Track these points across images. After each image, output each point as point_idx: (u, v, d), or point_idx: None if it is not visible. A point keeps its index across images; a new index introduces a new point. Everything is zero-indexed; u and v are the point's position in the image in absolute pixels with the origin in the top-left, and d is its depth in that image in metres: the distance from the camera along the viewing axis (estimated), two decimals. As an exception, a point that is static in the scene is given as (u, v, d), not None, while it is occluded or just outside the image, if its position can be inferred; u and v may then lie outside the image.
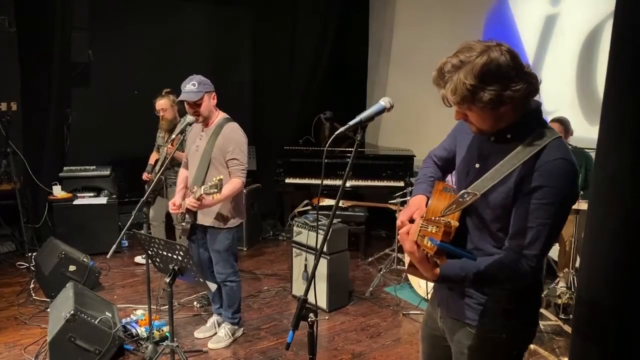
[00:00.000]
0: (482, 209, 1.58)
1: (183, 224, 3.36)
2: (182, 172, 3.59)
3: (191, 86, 3.22)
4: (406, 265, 1.71)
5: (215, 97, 3.32)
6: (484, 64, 1.41)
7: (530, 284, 1.63)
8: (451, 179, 1.91)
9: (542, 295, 4.00)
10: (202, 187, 3.07)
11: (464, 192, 1.52)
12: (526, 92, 1.46)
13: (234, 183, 3.23)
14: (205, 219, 3.32)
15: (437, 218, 1.51)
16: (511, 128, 1.53)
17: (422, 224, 1.50)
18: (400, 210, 4.38)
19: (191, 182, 3.34)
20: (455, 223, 1.46)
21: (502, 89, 1.42)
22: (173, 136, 3.61)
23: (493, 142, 1.59)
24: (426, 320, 1.92)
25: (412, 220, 1.62)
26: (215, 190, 2.95)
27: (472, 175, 1.62)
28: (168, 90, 4.53)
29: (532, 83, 1.47)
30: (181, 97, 3.28)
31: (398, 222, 1.66)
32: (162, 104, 4.55)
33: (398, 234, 1.59)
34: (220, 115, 3.38)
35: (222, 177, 2.99)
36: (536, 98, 1.55)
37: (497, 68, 1.41)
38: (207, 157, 3.27)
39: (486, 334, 1.65)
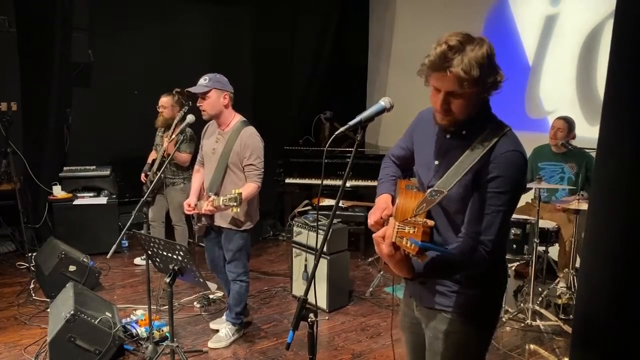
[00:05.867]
0: (447, 202, 1.66)
1: (199, 224, 3.40)
2: (197, 172, 3.60)
3: (202, 80, 3.28)
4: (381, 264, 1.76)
5: (228, 97, 3.30)
6: (488, 48, 1.51)
7: (496, 269, 1.74)
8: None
9: (543, 295, 4.03)
10: (222, 198, 3.10)
11: (432, 191, 1.60)
12: (500, 82, 1.56)
13: (249, 187, 3.26)
14: (221, 221, 3.37)
15: (412, 219, 1.56)
16: (466, 124, 1.62)
17: (398, 226, 1.51)
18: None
19: (207, 186, 3.36)
20: (431, 222, 1.52)
21: (495, 74, 1.54)
22: (173, 136, 3.61)
23: (449, 139, 1.67)
24: (404, 311, 1.99)
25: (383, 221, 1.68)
26: (235, 204, 3.00)
27: (433, 172, 1.69)
28: (178, 90, 4.50)
29: (501, 75, 1.58)
30: (189, 89, 3.31)
31: (370, 223, 1.72)
32: (164, 101, 4.55)
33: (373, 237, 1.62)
34: (236, 118, 3.39)
35: (241, 191, 3.03)
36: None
37: (492, 55, 1.54)
38: (224, 162, 3.30)
39: (458, 318, 1.73)
